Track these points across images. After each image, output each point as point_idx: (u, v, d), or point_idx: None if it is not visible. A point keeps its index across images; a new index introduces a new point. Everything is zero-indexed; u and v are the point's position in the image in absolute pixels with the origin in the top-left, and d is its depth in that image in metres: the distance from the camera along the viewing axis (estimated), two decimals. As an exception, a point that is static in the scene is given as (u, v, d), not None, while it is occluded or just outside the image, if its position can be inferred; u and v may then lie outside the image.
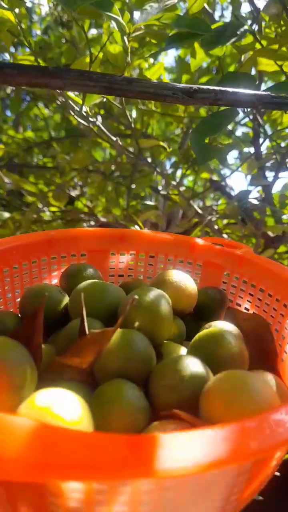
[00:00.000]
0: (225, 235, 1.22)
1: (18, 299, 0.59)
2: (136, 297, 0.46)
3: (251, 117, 1.02)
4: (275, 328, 0.54)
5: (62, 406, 0.30)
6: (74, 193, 1.54)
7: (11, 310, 0.60)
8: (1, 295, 0.60)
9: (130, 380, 0.39)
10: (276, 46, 0.70)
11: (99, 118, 0.92)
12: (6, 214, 1.36)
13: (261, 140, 1.04)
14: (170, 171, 1.42)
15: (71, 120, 1.41)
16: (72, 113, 0.81)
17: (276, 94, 0.62)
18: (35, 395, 0.32)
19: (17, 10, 0.63)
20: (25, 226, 1.29)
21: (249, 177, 1.05)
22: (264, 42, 0.71)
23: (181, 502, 0.27)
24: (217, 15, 1.17)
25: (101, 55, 0.67)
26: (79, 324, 0.43)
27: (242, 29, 0.68)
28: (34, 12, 1.60)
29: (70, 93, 0.79)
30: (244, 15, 0.96)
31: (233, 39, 0.67)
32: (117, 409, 0.35)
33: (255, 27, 0.80)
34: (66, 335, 0.47)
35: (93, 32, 1.35)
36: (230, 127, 1.09)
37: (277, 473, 0.49)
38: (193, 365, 0.40)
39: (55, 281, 0.67)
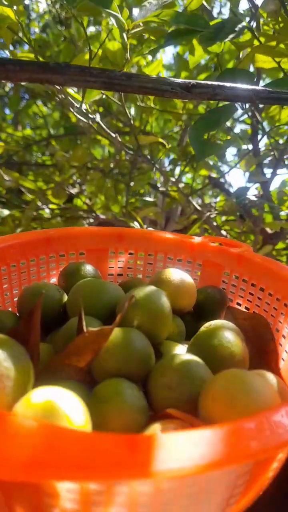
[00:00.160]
0: (223, 232, 1.21)
1: (16, 298, 0.58)
2: (135, 294, 0.46)
3: (249, 114, 1.01)
4: (275, 328, 0.53)
5: (59, 405, 0.30)
6: (73, 190, 1.54)
7: (9, 309, 0.60)
8: (-1, 294, 0.60)
9: (128, 379, 0.39)
10: (274, 43, 0.69)
11: (98, 115, 0.92)
12: (6, 212, 1.35)
13: (259, 137, 1.04)
14: (168, 168, 1.42)
15: (70, 118, 1.41)
16: (72, 110, 0.81)
17: (274, 89, 0.61)
18: (31, 394, 0.32)
19: (15, 7, 0.63)
20: (25, 223, 1.28)
21: (247, 174, 1.05)
22: (262, 39, 0.71)
23: (180, 504, 0.27)
24: (215, 11, 1.17)
25: (100, 52, 0.67)
26: (77, 323, 0.42)
27: (240, 26, 0.68)
28: (32, 9, 1.59)
29: (70, 90, 0.78)
30: (242, 12, 0.95)
31: (231, 36, 0.67)
32: (115, 409, 0.35)
33: (253, 23, 0.79)
34: (64, 334, 0.47)
35: (91, 29, 1.34)
36: (228, 124, 1.09)
37: None
38: (192, 364, 0.40)
39: (53, 280, 0.66)
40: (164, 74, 0.98)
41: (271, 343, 0.51)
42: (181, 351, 0.49)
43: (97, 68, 0.59)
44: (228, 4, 0.85)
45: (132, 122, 0.90)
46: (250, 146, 1.07)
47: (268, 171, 1.07)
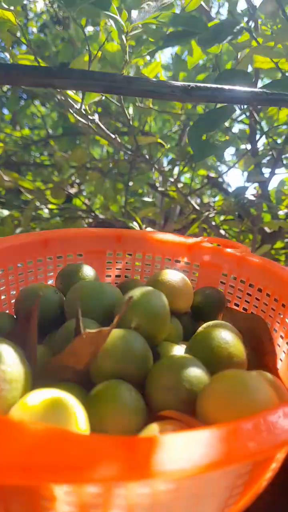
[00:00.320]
0: (222, 231, 1.22)
1: (13, 300, 0.58)
2: (132, 295, 0.46)
3: (247, 114, 1.02)
4: (273, 328, 0.53)
5: (55, 407, 0.30)
6: (72, 190, 1.54)
7: (7, 311, 0.60)
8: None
9: (127, 380, 0.39)
10: (272, 44, 0.70)
11: (97, 116, 0.92)
12: (6, 212, 1.35)
13: (257, 136, 1.04)
14: (167, 168, 1.42)
15: (68, 118, 1.41)
16: (71, 111, 0.81)
17: (271, 91, 0.62)
18: (28, 396, 0.32)
19: (12, 8, 0.63)
20: (24, 223, 1.28)
21: (246, 173, 1.05)
22: (260, 40, 0.71)
23: (179, 505, 0.27)
24: (213, 11, 1.17)
25: (99, 54, 0.67)
26: (74, 324, 0.43)
27: (238, 27, 0.68)
28: (30, 9, 1.59)
29: (70, 92, 0.79)
30: (240, 11, 0.95)
31: (229, 37, 0.67)
32: (112, 410, 0.35)
33: (251, 23, 0.80)
34: (62, 336, 0.47)
35: (89, 29, 1.34)
36: (227, 124, 1.09)
37: None
38: (190, 365, 0.40)
39: (51, 281, 0.66)
40: (163, 74, 0.97)
41: (269, 343, 0.51)
42: (179, 352, 0.49)
43: (99, 72, 0.59)
44: (226, 4, 0.85)
45: (131, 122, 0.90)
46: (249, 146, 1.07)
47: (266, 171, 1.07)
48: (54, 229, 0.81)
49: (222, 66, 0.87)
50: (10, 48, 0.71)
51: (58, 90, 0.82)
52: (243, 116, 1.12)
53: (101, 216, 1.41)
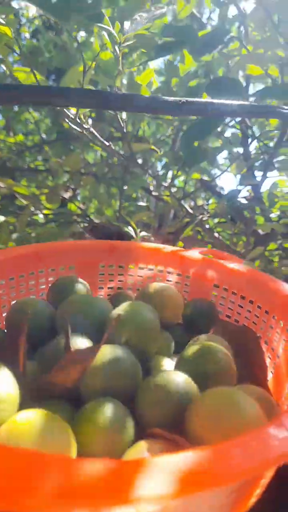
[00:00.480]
0: (216, 234, 1.22)
1: (5, 314, 0.58)
2: (121, 313, 0.46)
3: (236, 120, 1.02)
4: (264, 340, 0.54)
5: (42, 429, 0.30)
6: (66, 195, 1.54)
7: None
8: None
9: (116, 396, 0.39)
10: (261, 51, 0.70)
11: (90, 121, 0.92)
12: (2, 218, 1.35)
13: (249, 140, 1.04)
14: (161, 172, 1.42)
15: (62, 123, 1.41)
16: (67, 121, 0.82)
17: (259, 104, 0.63)
18: (16, 416, 0.32)
19: (3, 16, 0.64)
20: (20, 229, 1.28)
21: (238, 176, 1.06)
22: (250, 48, 0.71)
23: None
24: (205, 17, 1.17)
25: (93, 64, 0.68)
26: (64, 340, 0.43)
27: (228, 36, 0.68)
28: (22, 14, 1.59)
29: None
30: (231, 17, 0.95)
31: (220, 47, 0.68)
32: (99, 429, 0.35)
33: (242, 29, 0.80)
34: (51, 351, 0.47)
35: (82, 34, 1.34)
36: (219, 128, 1.09)
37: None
38: (179, 381, 0.40)
39: (43, 294, 0.66)
40: (156, 79, 0.98)
41: (260, 356, 0.52)
42: (169, 366, 0.50)
43: (96, 90, 0.61)
44: (217, 10, 0.85)
45: (125, 129, 0.90)
46: (241, 150, 1.08)
47: (258, 174, 1.07)
48: (46, 242, 0.81)
49: (214, 72, 0.87)
50: (6, 58, 0.72)
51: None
52: (234, 121, 1.12)
53: (96, 221, 1.41)
